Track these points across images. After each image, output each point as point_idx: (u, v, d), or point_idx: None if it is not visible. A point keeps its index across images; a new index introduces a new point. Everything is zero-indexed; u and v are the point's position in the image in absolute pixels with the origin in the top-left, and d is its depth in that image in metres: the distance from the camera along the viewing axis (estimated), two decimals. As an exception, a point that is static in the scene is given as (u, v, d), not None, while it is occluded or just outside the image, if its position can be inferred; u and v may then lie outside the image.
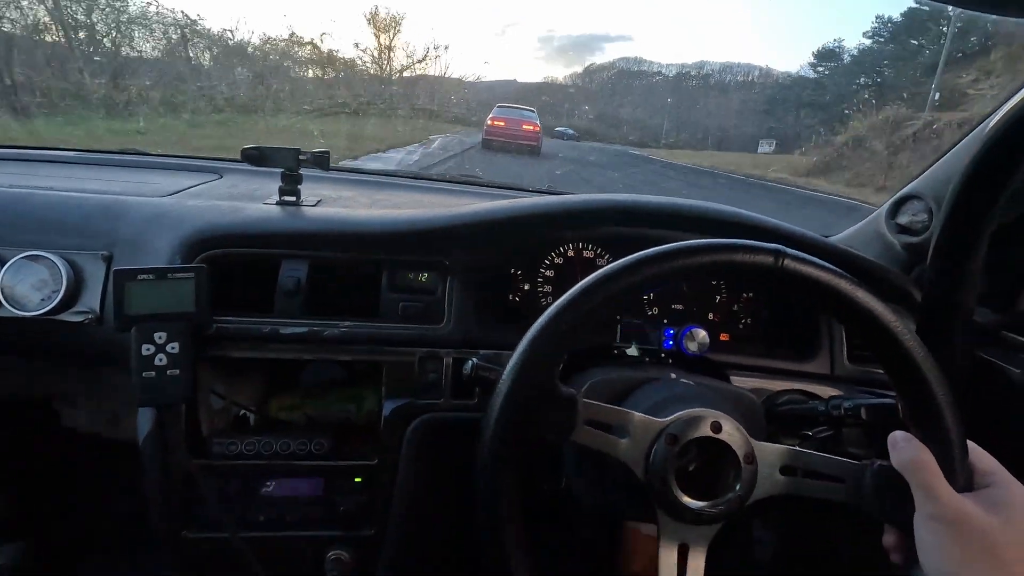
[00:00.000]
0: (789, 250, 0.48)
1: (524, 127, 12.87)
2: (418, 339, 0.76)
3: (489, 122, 12.81)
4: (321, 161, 0.84)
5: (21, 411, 1.13)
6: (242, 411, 0.86)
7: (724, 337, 0.89)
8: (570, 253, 0.89)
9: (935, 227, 0.76)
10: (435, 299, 0.78)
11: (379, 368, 0.76)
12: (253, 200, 0.86)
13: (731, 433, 0.50)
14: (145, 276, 0.69)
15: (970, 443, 0.46)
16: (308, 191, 0.93)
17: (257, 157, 0.83)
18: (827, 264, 0.48)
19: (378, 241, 0.78)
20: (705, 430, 0.50)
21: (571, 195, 0.82)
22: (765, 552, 1.17)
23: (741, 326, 0.90)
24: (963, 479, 0.45)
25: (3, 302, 0.73)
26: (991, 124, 0.58)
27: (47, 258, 0.75)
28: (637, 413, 0.51)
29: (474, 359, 0.63)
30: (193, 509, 0.73)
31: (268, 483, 0.74)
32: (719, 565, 1.20)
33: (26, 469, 1.26)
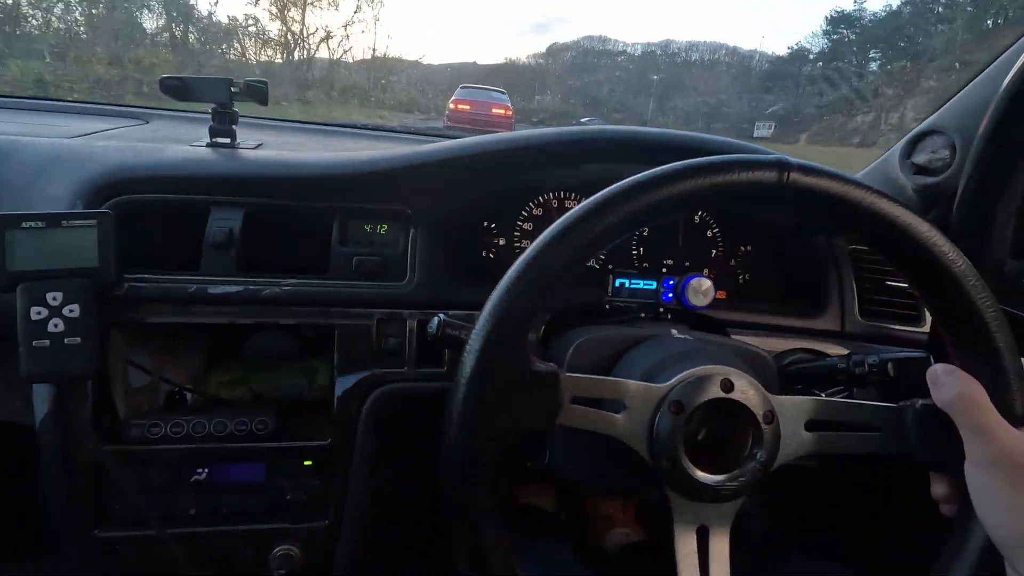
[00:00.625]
0: (793, 160, 0.41)
1: (494, 111, 10.87)
2: (376, 299, 0.65)
3: (451, 106, 10.79)
4: (257, 93, 0.71)
5: None
6: (177, 389, 0.74)
7: (721, 295, 0.80)
8: (552, 203, 0.79)
9: (958, 165, 0.68)
10: (396, 253, 0.67)
11: (331, 334, 0.65)
12: (179, 142, 0.73)
13: (744, 391, 0.42)
14: (33, 224, 0.56)
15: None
16: (247, 135, 0.80)
17: (181, 88, 0.70)
18: (840, 172, 0.41)
19: (329, 185, 0.66)
20: (715, 391, 0.42)
21: (549, 128, 0.71)
22: (754, 525, 1.11)
23: (741, 281, 0.81)
24: (1021, 411, 0.39)
25: None
26: None
27: (-86, 207, 0.61)
28: (632, 381, 0.42)
29: (441, 315, 0.53)
30: (110, 504, 0.61)
31: (199, 470, 0.63)
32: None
33: None
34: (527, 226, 0.79)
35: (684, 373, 0.42)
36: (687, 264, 0.80)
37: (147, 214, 0.63)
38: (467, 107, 10.75)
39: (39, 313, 0.55)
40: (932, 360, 0.48)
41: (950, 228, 0.62)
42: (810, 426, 0.43)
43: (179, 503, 0.62)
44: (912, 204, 0.77)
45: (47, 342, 0.55)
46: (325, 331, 0.66)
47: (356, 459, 0.64)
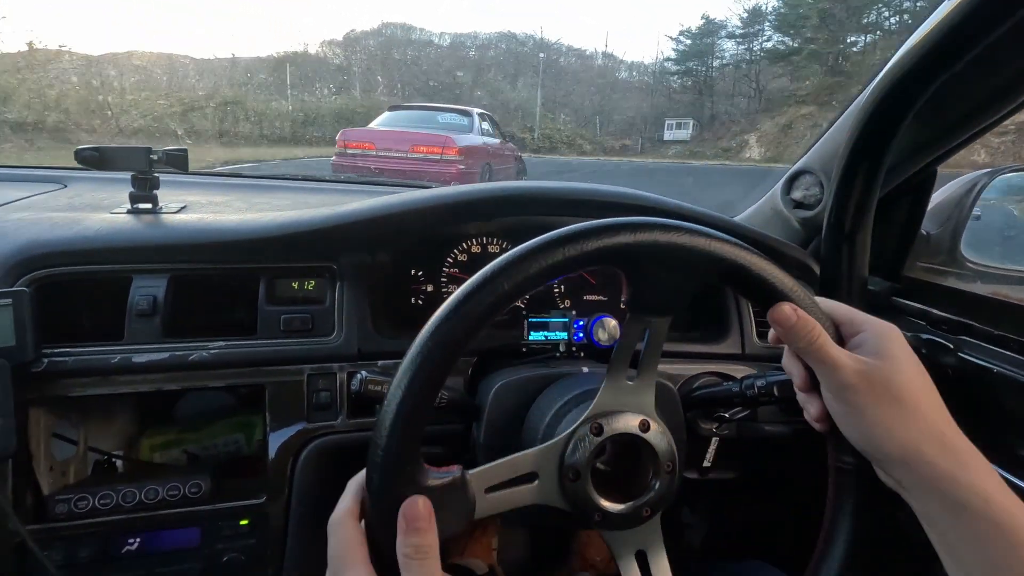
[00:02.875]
0: (645, 219, 0.40)
1: (424, 153, 6.15)
2: (305, 355, 0.67)
3: (339, 144, 6.44)
4: (177, 161, 0.73)
5: None
6: (106, 458, 0.73)
7: None
8: (474, 248, 0.84)
9: (826, 200, 0.77)
10: (323, 309, 0.70)
11: (263, 390, 0.67)
12: (98, 210, 0.74)
13: (659, 435, 0.45)
14: (-57, 307, 0.56)
15: (818, 298, 0.44)
16: (172, 197, 0.81)
17: (97, 159, 0.71)
18: (681, 223, 0.41)
19: (253, 248, 0.68)
20: (633, 427, 0.45)
21: (465, 186, 0.76)
22: (695, 536, 1.17)
23: None
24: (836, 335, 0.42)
25: None
26: (865, 98, 0.58)
27: None
28: (532, 450, 0.43)
29: (363, 372, 0.56)
30: None
31: (131, 541, 0.62)
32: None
33: None
34: (453, 271, 0.83)
35: (606, 407, 0.44)
36: (606, 299, 0.86)
37: (67, 286, 0.63)
38: (364, 147, 6.29)
39: (-48, 397, 0.55)
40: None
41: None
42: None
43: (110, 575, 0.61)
44: (798, 234, 0.86)
45: (-38, 426, 0.55)
46: (256, 388, 0.67)
47: (292, 514, 0.65)
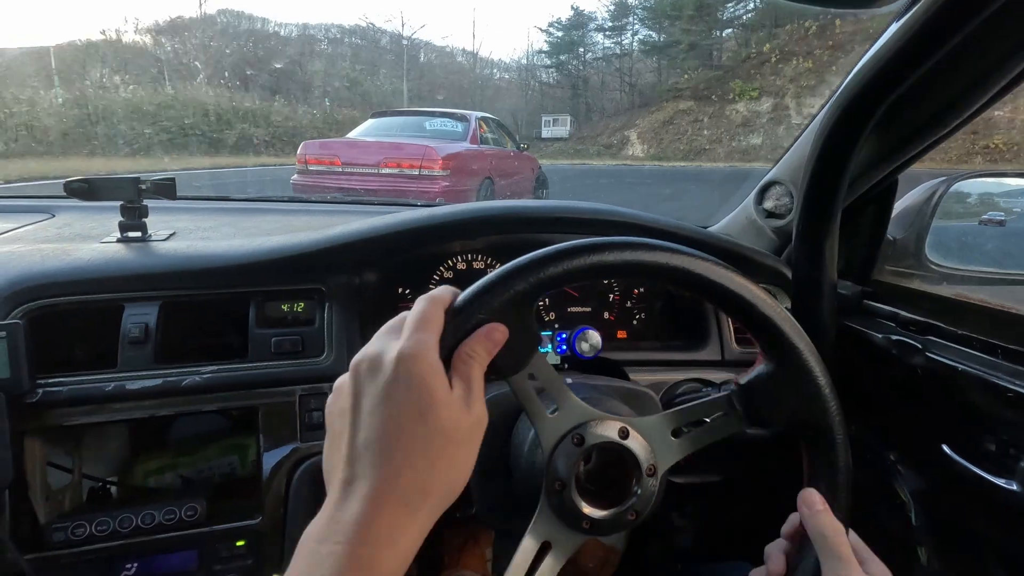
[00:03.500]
0: (626, 240, 0.44)
1: (402, 164, 5.08)
2: (296, 376, 0.69)
3: (300, 159, 5.36)
4: (165, 189, 0.75)
5: None
6: (100, 484, 0.74)
7: (621, 335, 0.89)
8: (460, 266, 0.86)
9: (796, 210, 0.81)
10: (313, 330, 0.72)
11: (256, 412, 0.68)
12: (88, 240, 0.75)
13: (638, 442, 0.47)
14: (-61, 342, 0.57)
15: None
16: (161, 223, 0.83)
17: (86, 191, 0.73)
18: (659, 242, 0.45)
19: (241, 272, 0.70)
20: (612, 435, 0.47)
21: (449, 205, 0.78)
22: (685, 539, 1.19)
23: (635, 322, 0.90)
24: (845, 505, 0.46)
25: None
26: (826, 112, 0.61)
27: None
28: (574, 397, 0.47)
29: None
30: None
31: (128, 566, 0.63)
32: (642, 555, 1.21)
33: None
34: (440, 288, 0.85)
35: (589, 416, 0.47)
36: (590, 310, 0.89)
37: (60, 316, 0.65)
38: (328, 163, 5.27)
39: (-51, 431, 0.56)
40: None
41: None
42: (676, 433, 0.49)
43: None
44: (772, 242, 0.89)
45: (-41, 459, 0.56)
46: (249, 410, 0.69)
47: (288, 534, 0.67)
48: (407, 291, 0.84)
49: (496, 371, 0.43)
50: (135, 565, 0.64)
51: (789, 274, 0.82)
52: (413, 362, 0.34)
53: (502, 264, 0.42)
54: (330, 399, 0.37)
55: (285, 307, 0.72)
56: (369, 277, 0.76)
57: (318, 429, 0.68)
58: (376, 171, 5.11)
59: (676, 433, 0.49)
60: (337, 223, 0.80)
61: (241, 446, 0.80)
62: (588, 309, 0.88)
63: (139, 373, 0.64)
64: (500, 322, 0.41)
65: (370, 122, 6.80)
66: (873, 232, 0.80)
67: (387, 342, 0.36)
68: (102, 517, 0.63)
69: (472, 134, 5.96)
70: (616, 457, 0.47)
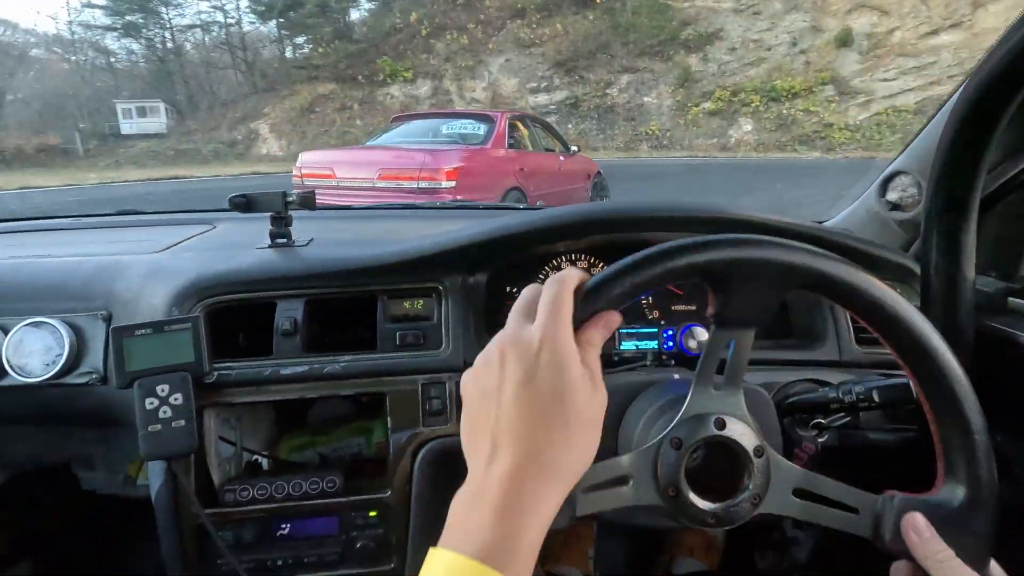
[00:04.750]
0: (741, 236, 0.44)
1: (400, 177, 4.47)
2: (419, 367, 0.76)
3: (296, 172, 4.94)
4: (308, 202, 0.85)
5: (41, 477, 1.14)
6: (254, 457, 0.86)
7: None
8: (564, 266, 0.89)
9: (925, 201, 0.75)
10: (432, 325, 0.78)
11: (383, 399, 0.76)
12: (245, 246, 0.87)
13: (735, 428, 0.47)
14: (143, 331, 0.69)
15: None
16: (298, 230, 0.94)
17: (244, 204, 0.85)
18: (759, 237, 0.44)
19: (370, 273, 0.78)
20: (710, 430, 0.47)
21: (553, 208, 0.82)
22: (801, 551, 1.14)
23: None
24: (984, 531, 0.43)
25: (9, 370, 0.74)
26: (960, 95, 0.57)
27: (49, 323, 0.76)
28: (625, 456, 0.47)
29: None
30: (213, 560, 0.72)
31: (283, 526, 0.73)
32: (757, 567, 1.17)
33: (48, 534, 1.27)
34: (545, 287, 0.89)
35: (681, 415, 0.48)
36: (695, 308, 0.89)
37: (227, 312, 0.76)
38: (323, 176, 4.77)
39: (151, 403, 0.68)
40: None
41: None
42: (798, 492, 0.48)
43: (269, 555, 0.72)
44: (897, 236, 0.84)
45: (159, 426, 0.68)
46: (378, 396, 0.77)
47: (413, 508, 0.74)
48: (514, 290, 0.88)
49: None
50: (288, 526, 0.73)
51: (917, 270, 0.77)
52: (554, 347, 0.37)
53: (607, 264, 0.44)
54: (469, 378, 0.40)
55: (407, 304, 0.80)
56: (480, 277, 0.81)
57: (438, 415, 0.75)
58: (372, 184, 4.53)
59: (798, 493, 0.48)
60: (446, 227, 0.87)
61: (367, 429, 0.89)
62: (693, 307, 0.87)
63: (290, 360, 0.74)
64: (616, 310, 0.43)
65: (392, 127, 6.17)
66: (1020, 224, 0.72)
67: (524, 325, 0.39)
68: (261, 483, 0.73)
69: (496, 137, 5.21)
70: (721, 447, 0.48)
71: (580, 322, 0.41)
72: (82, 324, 0.77)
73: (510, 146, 5.34)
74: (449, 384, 0.75)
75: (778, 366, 0.79)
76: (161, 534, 0.71)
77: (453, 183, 4.37)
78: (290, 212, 0.88)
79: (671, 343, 0.76)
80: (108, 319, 0.77)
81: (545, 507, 0.35)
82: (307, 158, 5.10)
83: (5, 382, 0.75)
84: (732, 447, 0.48)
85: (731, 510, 0.47)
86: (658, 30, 21.86)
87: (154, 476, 0.71)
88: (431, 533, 0.75)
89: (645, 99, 21.53)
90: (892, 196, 0.79)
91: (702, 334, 0.73)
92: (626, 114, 21.36)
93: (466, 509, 0.36)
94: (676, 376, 0.64)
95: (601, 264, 0.87)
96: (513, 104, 20.77)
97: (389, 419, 0.75)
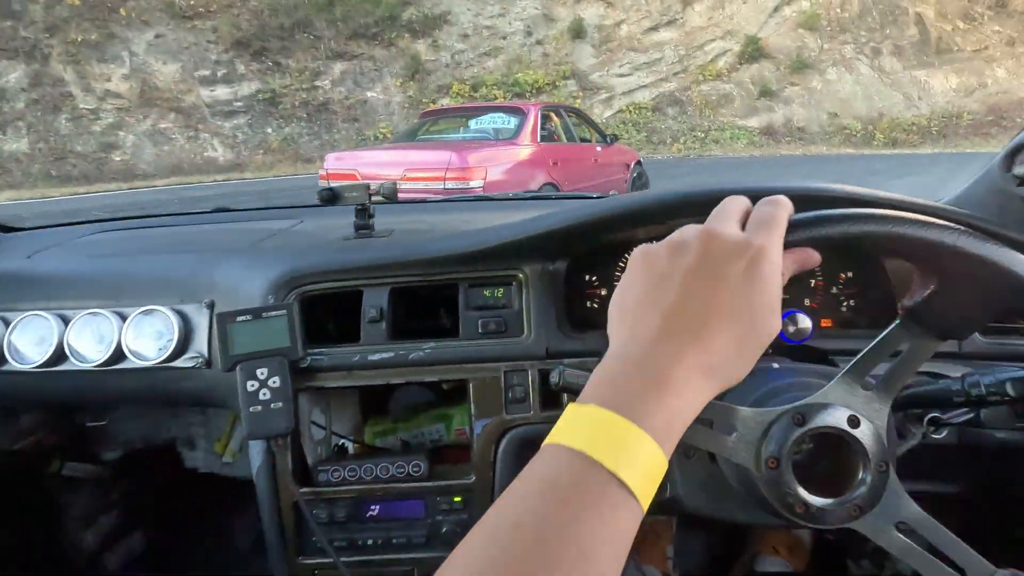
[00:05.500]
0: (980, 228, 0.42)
1: (425, 177, 4.36)
2: (501, 354, 0.76)
3: (325, 175, 4.83)
4: (390, 194, 0.87)
5: (149, 455, 1.24)
6: (341, 441, 0.90)
7: (826, 323, 0.82)
8: None
9: None
10: (513, 312, 0.78)
11: (465, 387, 0.77)
12: (332, 237, 0.91)
13: (869, 434, 0.44)
14: (244, 317, 0.74)
15: None
16: (379, 222, 0.96)
17: (331, 197, 0.88)
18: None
19: (451, 262, 0.79)
20: (841, 422, 0.44)
21: (634, 193, 0.80)
22: (907, 565, 1.05)
23: (844, 309, 0.83)
24: None
25: (128, 354, 0.81)
26: None
27: (160, 311, 0.82)
28: (743, 408, 0.46)
29: (562, 366, 0.62)
30: (307, 536, 0.76)
31: (372, 507, 0.76)
32: (850, 574, 1.10)
33: (156, 507, 1.38)
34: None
35: (810, 398, 0.45)
36: (786, 297, 0.83)
37: (318, 300, 0.79)
38: (348, 177, 4.52)
39: (252, 385, 0.72)
40: None
41: None
42: (903, 529, 0.44)
43: (360, 534, 0.75)
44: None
45: (260, 408, 0.72)
46: (459, 383, 0.77)
47: (497, 494, 0.74)
48: (593, 278, 0.87)
49: None
50: (377, 507, 0.76)
51: None
52: (765, 258, 0.36)
53: None
54: (645, 254, 0.39)
55: (487, 292, 0.80)
56: (560, 265, 0.80)
57: (520, 403, 0.75)
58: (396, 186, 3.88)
59: (903, 530, 0.44)
60: (525, 215, 0.86)
61: (446, 416, 0.90)
62: (787, 296, 0.82)
63: (376, 347, 0.76)
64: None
65: (418, 123, 6.13)
66: None
67: (730, 227, 0.38)
68: (352, 465, 0.76)
69: (529, 130, 5.06)
70: (840, 447, 0.44)
71: (783, 245, 0.39)
72: (188, 312, 0.83)
73: (543, 139, 5.21)
74: (531, 372, 0.75)
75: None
76: (261, 510, 0.75)
77: (481, 181, 4.28)
78: (372, 204, 0.91)
79: None
80: (211, 307, 0.82)
81: (695, 396, 0.34)
82: (332, 160, 5.07)
83: (124, 365, 0.81)
84: (855, 450, 0.44)
85: (825, 510, 0.44)
86: (372, 6, 16.91)
87: (255, 455, 0.75)
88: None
89: (369, 94, 16.82)
90: (1020, 170, 0.71)
91: (805, 321, 0.68)
92: (346, 113, 16.34)
93: (613, 376, 0.34)
94: (776, 365, 0.61)
95: None
96: (179, 100, 15.00)
97: (472, 406, 0.75)
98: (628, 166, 6.48)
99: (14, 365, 0.82)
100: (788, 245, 0.39)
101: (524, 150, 4.95)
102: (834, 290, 0.83)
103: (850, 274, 0.83)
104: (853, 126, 16.94)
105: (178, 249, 0.96)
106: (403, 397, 0.96)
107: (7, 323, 0.84)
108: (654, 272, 0.38)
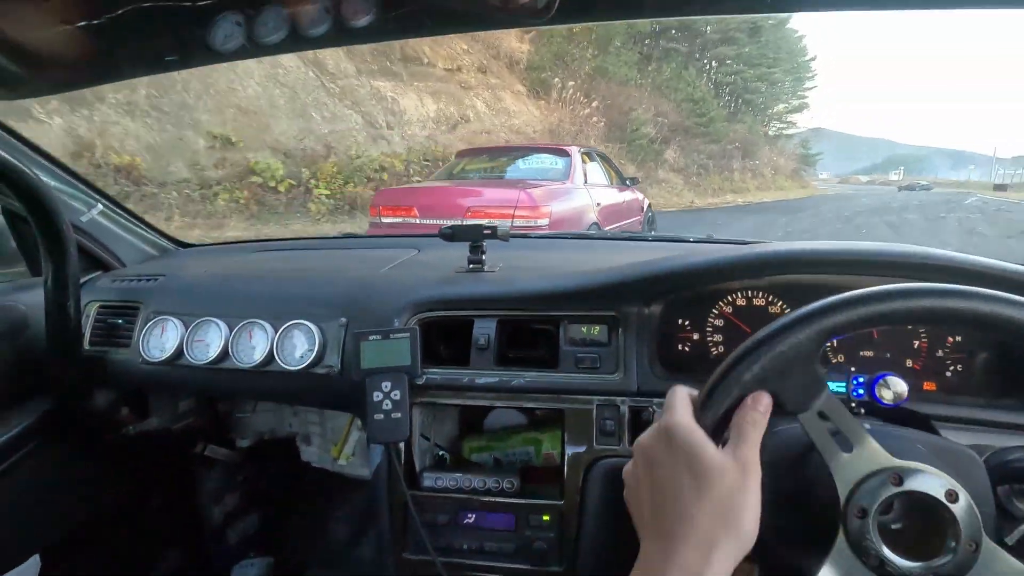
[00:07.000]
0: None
1: (492, 215, 4.18)
2: (594, 388, 0.82)
3: (376, 210, 4.69)
4: (502, 233, 0.97)
5: (272, 447, 1.42)
6: (440, 452, 0.99)
7: (929, 386, 0.81)
8: (740, 302, 0.90)
9: None
10: (608, 350, 0.84)
11: (557, 415, 0.84)
12: (448, 270, 1.02)
13: (966, 509, 0.45)
14: (375, 336, 0.86)
15: None
16: (489, 257, 1.07)
17: (451, 235, 1.00)
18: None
19: (553, 299, 0.87)
20: (937, 492, 0.44)
21: (732, 246, 0.84)
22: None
23: (949, 374, 0.81)
24: None
25: (277, 359, 0.96)
26: None
27: (304, 325, 0.97)
28: (872, 438, 0.47)
29: (656, 406, 0.67)
30: (412, 535, 0.86)
31: (469, 515, 0.84)
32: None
33: (272, 496, 1.56)
34: (718, 323, 0.90)
35: (912, 462, 0.46)
36: (887, 355, 0.83)
37: (435, 325, 0.90)
38: (403, 212, 4.56)
39: (377, 396, 0.84)
40: None
41: None
42: (1010, 515, 0.45)
43: (456, 539, 0.84)
44: None
45: (382, 416, 0.83)
46: (553, 411, 0.85)
47: (584, 519, 0.80)
48: (687, 323, 0.91)
49: (783, 410, 0.48)
50: (472, 516, 0.84)
51: None
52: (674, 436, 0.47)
53: (784, 303, 0.47)
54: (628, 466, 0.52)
55: (585, 329, 0.87)
56: (655, 308, 0.86)
57: (610, 435, 0.80)
58: (460, 222, 3.58)
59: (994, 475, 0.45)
60: (624, 258, 0.93)
61: (536, 440, 0.97)
62: (887, 355, 0.82)
63: (483, 371, 0.86)
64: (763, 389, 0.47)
65: (454, 161, 6.09)
66: None
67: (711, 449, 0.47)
68: (451, 475, 0.85)
69: (575, 171, 5.12)
70: (931, 517, 0.45)
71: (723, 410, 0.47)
72: (327, 327, 0.97)
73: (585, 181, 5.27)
74: (623, 407, 0.81)
75: (990, 427, 0.71)
76: (377, 507, 0.86)
77: (547, 219, 4.26)
78: (484, 243, 1.02)
79: (861, 391, 0.73)
80: (346, 325, 0.96)
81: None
82: (385, 195, 5.09)
83: (273, 367, 0.97)
84: (946, 519, 0.45)
85: (911, 572, 0.44)
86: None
87: (375, 458, 0.86)
88: (600, 545, 0.80)
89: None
90: None
91: (900, 385, 0.69)
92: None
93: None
94: (868, 426, 0.62)
95: (780, 303, 0.86)
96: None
97: (566, 434, 0.82)
98: (642, 209, 6.59)
99: (188, 360, 1.00)
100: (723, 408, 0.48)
101: (577, 190, 5.00)
102: (939, 353, 0.82)
103: (958, 338, 0.81)
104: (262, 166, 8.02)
105: (321, 272, 1.12)
106: (496, 419, 1.04)
107: (187, 326, 1.02)
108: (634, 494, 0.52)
